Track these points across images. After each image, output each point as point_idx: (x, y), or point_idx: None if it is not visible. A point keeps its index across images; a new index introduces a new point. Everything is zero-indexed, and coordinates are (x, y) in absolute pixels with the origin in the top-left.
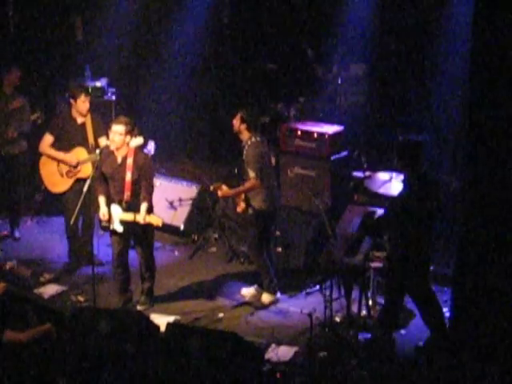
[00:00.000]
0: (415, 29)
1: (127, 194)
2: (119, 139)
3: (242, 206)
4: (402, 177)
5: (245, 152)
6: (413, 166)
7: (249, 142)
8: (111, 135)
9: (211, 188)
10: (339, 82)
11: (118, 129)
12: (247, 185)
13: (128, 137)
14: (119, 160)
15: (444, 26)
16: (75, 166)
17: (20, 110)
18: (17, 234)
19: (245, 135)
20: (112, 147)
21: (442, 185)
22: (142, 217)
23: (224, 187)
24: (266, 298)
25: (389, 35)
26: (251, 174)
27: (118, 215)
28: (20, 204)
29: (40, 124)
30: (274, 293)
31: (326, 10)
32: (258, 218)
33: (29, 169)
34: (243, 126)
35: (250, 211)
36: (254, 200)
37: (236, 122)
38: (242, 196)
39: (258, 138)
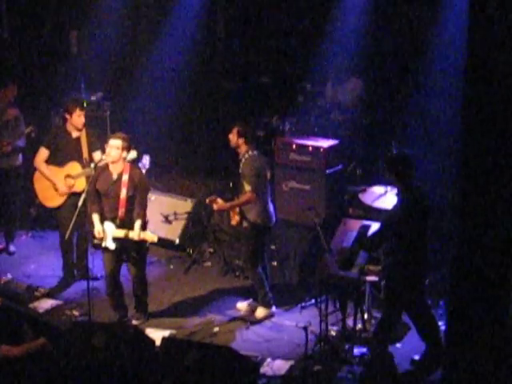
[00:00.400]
0: (408, 42)
1: (122, 211)
2: (116, 153)
3: (236, 219)
4: (396, 190)
5: (241, 165)
6: (404, 180)
7: (246, 156)
8: (108, 149)
9: (207, 201)
10: (335, 97)
11: (115, 143)
12: (243, 198)
13: (124, 152)
14: (115, 176)
15: (437, 39)
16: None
17: (13, 122)
18: (12, 249)
19: (242, 149)
20: (108, 160)
21: (437, 198)
22: (136, 234)
23: (219, 200)
24: (260, 312)
25: (382, 49)
26: (247, 187)
27: (111, 232)
28: (15, 218)
29: (34, 137)
30: (269, 307)
31: (319, 24)
32: (253, 232)
33: (23, 182)
34: (241, 140)
35: (245, 224)
36: (249, 213)
37: (233, 136)
38: (237, 209)
39: (255, 152)
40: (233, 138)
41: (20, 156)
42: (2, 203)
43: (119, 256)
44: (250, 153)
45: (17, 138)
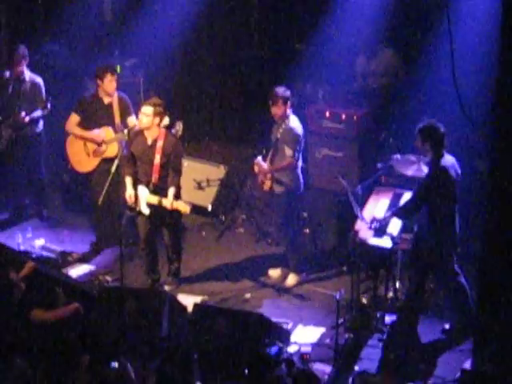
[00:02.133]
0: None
1: (155, 177)
2: (147, 120)
3: (268, 184)
4: (427, 159)
5: (281, 130)
6: (435, 150)
7: (286, 121)
8: (140, 116)
9: (255, 161)
10: (367, 66)
11: (146, 110)
12: (284, 163)
13: (157, 119)
14: (149, 142)
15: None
16: (99, 144)
17: (32, 91)
18: (45, 214)
19: (287, 113)
20: (140, 127)
21: (470, 168)
22: (169, 202)
23: (263, 164)
24: (292, 278)
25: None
26: (289, 152)
27: (145, 197)
28: (44, 184)
29: (48, 112)
30: (300, 274)
31: None
32: (286, 197)
33: (49, 149)
34: (289, 104)
35: (278, 190)
36: (283, 178)
37: (279, 107)
38: (269, 175)
39: (295, 117)
40: (279, 109)
41: (40, 122)
42: (28, 171)
43: (153, 221)
44: (291, 117)
45: (37, 107)
